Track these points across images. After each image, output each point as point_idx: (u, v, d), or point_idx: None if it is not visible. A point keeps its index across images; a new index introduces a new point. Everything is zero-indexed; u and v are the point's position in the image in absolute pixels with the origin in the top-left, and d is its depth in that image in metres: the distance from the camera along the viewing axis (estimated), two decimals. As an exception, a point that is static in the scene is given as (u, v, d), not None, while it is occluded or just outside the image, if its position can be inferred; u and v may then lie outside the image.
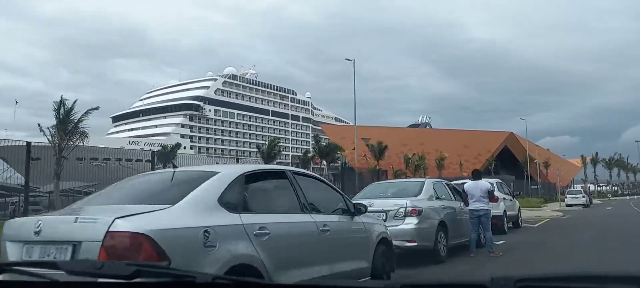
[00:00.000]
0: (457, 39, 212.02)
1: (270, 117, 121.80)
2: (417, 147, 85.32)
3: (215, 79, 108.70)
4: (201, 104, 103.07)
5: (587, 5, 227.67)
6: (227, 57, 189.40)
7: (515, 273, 1.34)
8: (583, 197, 36.58)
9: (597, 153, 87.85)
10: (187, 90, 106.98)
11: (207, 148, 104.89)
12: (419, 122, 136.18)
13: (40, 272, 1.69)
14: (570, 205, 35.66)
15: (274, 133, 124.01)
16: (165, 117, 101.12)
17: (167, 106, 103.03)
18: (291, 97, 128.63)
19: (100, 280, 1.58)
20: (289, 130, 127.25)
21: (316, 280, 3.86)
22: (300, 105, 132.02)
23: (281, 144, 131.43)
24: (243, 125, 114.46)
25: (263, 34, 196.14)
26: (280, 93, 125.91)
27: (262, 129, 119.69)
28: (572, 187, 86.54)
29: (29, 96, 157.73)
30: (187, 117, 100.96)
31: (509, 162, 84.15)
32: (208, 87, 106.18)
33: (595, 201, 56.49)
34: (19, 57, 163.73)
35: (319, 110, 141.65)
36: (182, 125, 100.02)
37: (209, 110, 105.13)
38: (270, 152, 32.95)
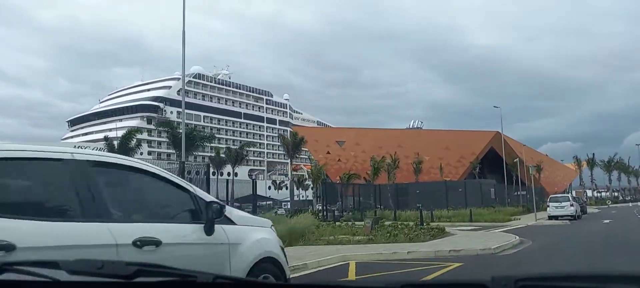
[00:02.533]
0: (458, 44, 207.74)
1: (242, 120, 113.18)
2: (393, 150, 77.56)
3: (178, 78, 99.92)
4: (161, 105, 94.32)
5: (587, 10, 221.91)
6: (226, 64, 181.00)
7: (515, 272, 1.34)
8: (571, 205, 27.34)
9: (593, 154, 78.62)
10: (149, 90, 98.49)
11: (168, 154, 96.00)
12: (410, 126, 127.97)
13: (40, 271, 1.68)
14: (555, 218, 26.97)
15: (247, 137, 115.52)
16: (121, 120, 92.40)
17: (124, 108, 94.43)
18: (266, 99, 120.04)
19: (100, 279, 1.56)
20: (264, 134, 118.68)
21: (317, 281, 4.26)
22: (277, 108, 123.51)
23: (257, 149, 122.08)
24: (211, 129, 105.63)
25: (263, 41, 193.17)
26: (254, 94, 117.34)
27: (233, 132, 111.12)
28: (569, 192, 77.65)
29: (28, 106, 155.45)
30: (144, 119, 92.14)
31: (496, 164, 75.34)
32: (170, 87, 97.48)
33: (590, 209, 47.56)
34: (16, 66, 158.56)
35: (299, 113, 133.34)
36: (139, 129, 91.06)
37: (171, 112, 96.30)
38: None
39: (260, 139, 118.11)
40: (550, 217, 27.16)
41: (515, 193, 50.00)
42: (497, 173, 73.85)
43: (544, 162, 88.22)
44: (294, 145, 36.74)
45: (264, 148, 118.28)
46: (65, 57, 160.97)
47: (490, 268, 9.03)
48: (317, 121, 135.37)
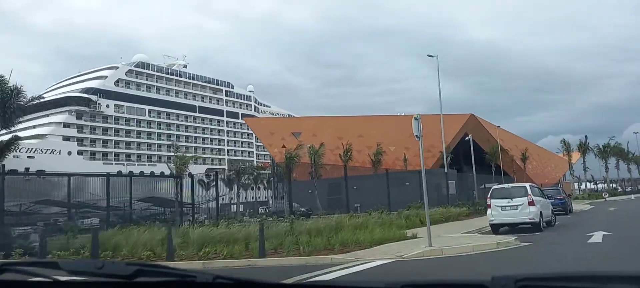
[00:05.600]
0: (457, 39, 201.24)
1: (197, 114, 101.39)
2: (354, 139, 66.68)
3: (117, 67, 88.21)
4: (93, 97, 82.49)
5: (586, 2, 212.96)
6: (224, 65, 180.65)
7: (515, 273, 1.34)
8: (530, 204, 15.66)
9: (586, 136, 66.45)
10: (84, 81, 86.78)
11: (105, 153, 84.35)
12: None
13: (40, 271, 1.70)
14: (505, 227, 15.80)
15: (203, 133, 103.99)
16: (48, 116, 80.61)
17: (50, 102, 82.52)
18: (226, 91, 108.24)
19: (100, 279, 1.57)
20: (224, 130, 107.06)
21: (316, 281, 4.25)
22: (239, 101, 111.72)
23: (215, 146, 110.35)
24: (159, 124, 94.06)
25: (260, 40, 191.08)
26: (212, 86, 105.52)
27: (187, 128, 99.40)
28: (559, 185, 66.06)
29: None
30: (73, 114, 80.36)
31: (476, 153, 63.97)
32: (105, 77, 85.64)
33: (579, 205, 36.13)
34: (10, 70, 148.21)
35: (266, 105, 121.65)
36: (65, 125, 79.43)
37: (107, 106, 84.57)
38: None
39: (219, 135, 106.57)
40: (494, 227, 15.76)
41: (483, 186, 38.86)
42: (476, 164, 62.88)
43: (530, 149, 76.95)
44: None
45: (224, 144, 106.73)
46: (60, 61, 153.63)
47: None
48: (288, 115, 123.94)
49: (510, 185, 19.16)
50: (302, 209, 36.34)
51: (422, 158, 11.79)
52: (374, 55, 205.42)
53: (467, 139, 47.05)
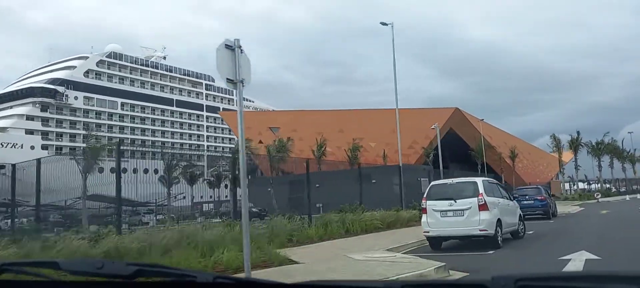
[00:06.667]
0: (456, 38, 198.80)
1: (175, 108, 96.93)
2: (334, 135, 62.92)
3: (87, 57, 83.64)
4: (60, 88, 77.94)
5: (586, 2, 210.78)
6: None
7: (515, 272, 1.34)
8: (481, 207, 10.78)
9: (578, 132, 62.13)
10: (51, 71, 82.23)
11: (74, 148, 79.72)
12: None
13: (40, 271, 1.71)
14: (450, 239, 11.71)
15: (182, 128, 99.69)
16: (11, 107, 76.13)
17: (12, 93, 78.13)
18: (206, 84, 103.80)
19: (100, 279, 1.59)
20: (203, 125, 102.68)
21: (316, 281, 3.36)
22: (220, 95, 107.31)
23: (194, 141, 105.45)
24: (133, 118, 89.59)
25: (259, 39, 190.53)
26: (191, 79, 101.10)
27: (163, 122, 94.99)
28: (548, 184, 62.26)
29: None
30: (38, 106, 75.81)
31: (460, 150, 60.18)
32: (74, 67, 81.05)
33: (567, 207, 32.13)
34: (5, 69, 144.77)
35: (250, 100, 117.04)
36: (29, 117, 74.89)
37: (75, 98, 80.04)
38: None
39: (198, 130, 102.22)
40: (433, 241, 11.52)
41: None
42: (462, 161, 59.04)
43: (521, 148, 73.08)
44: None
45: (203, 140, 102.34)
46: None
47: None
48: (274, 110, 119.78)
49: (455, 180, 13.25)
50: (254, 209, 31.99)
51: (241, 135, 6.67)
52: (372, 54, 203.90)
53: (433, 128, 42.96)
